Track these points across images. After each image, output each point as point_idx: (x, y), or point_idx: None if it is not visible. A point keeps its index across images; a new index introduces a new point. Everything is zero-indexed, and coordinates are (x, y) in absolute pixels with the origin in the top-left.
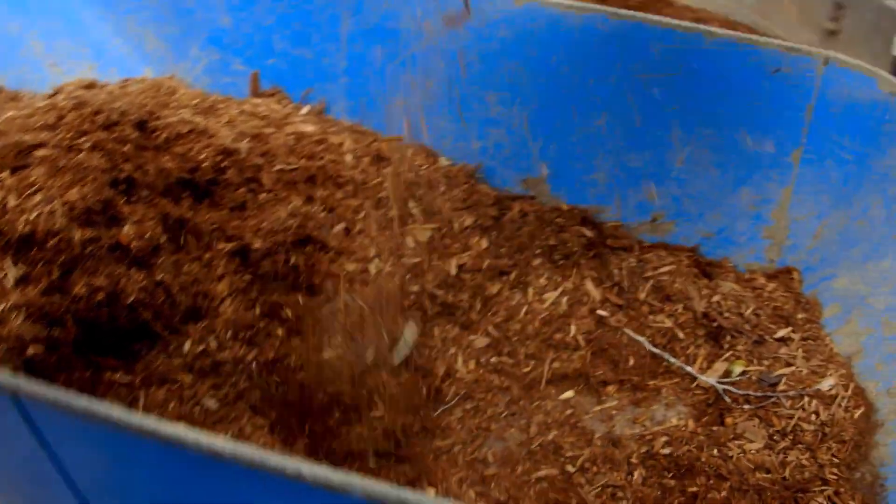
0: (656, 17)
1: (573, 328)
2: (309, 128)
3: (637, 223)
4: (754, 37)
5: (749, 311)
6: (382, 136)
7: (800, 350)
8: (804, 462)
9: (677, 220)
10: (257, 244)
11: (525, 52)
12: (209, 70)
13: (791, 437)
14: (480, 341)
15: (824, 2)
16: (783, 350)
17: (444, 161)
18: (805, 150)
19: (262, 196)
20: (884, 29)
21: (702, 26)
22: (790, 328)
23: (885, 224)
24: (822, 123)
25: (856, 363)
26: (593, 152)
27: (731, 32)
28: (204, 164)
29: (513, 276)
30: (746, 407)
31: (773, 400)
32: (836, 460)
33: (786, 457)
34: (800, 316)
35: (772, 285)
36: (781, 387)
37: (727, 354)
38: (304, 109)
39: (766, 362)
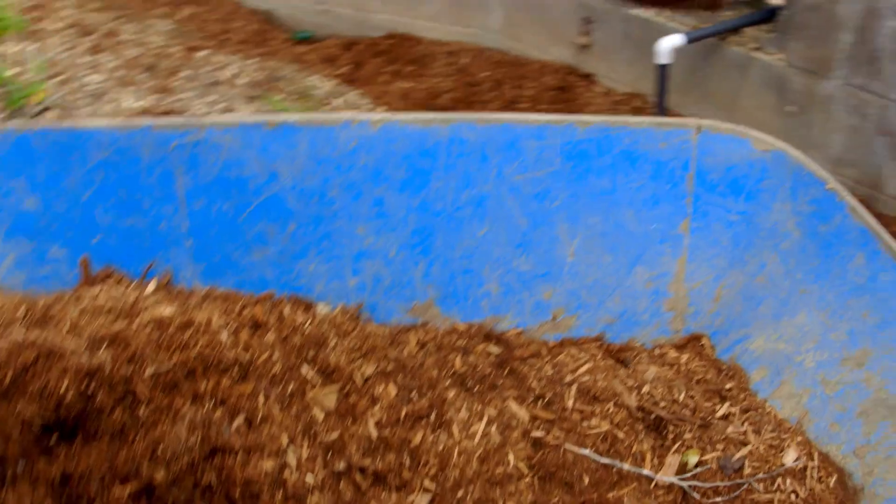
0: (525, 116)
1: (512, 458)
2: (166, 310)
3: (538, 325)
4: (627, 118)
5: (683, 395)
6: (248, 296)
7: (746, 425)
8: None
9: (578, 312)
10: (160, 475)
11: (390, 174)
12: (21, 264)
13: None
14: (421, 500)
15: (572, 18)
16: (730, 429)
17: (322, 308)
18: (692, 218)
19: (142, 411)
20: (635, 38)
21: (573, 116)
22: (728, 403)
23: (785, 278)
24: (704, 190)
25: (808, 428)
26: (480, 264)
27: (603, 118)
28: (68, 398)
29: (432, 417)
30: (718, 500)
31: (745, 487)
32: None
33: None
34: (728, 386)
35: (685, 356)
36: (747, 470)
37: (676, 446)
38: (150, 287)
39: (719, 446)
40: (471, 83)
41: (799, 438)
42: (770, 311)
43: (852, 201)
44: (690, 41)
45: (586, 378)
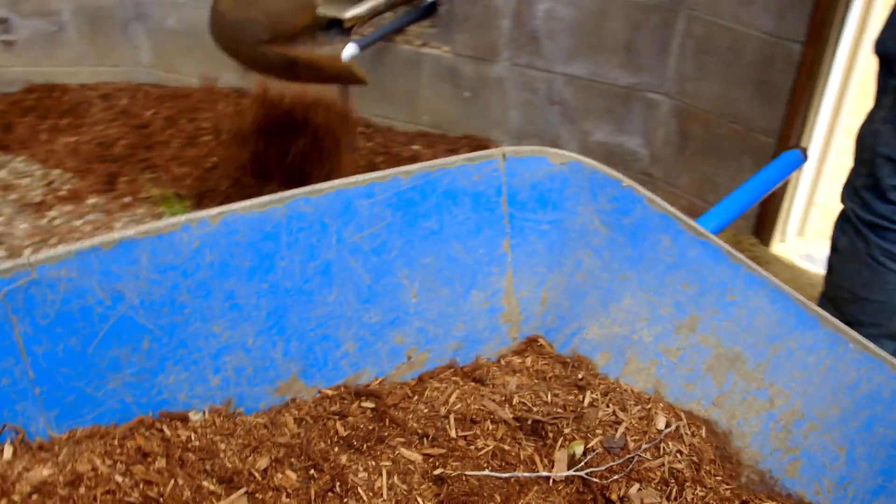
0: (353, 178)
1: (421, 500)
2: (43, 471)
3: (395, 368)
4: (444, 160)
5: (549, 396)
6: (119, 427)
7: (612, 406)
8: (701, 494)
9: (429, 346)
10: None
11: (237, 264)
12: None
13: (675, 481)
14: None
15: None
16: (600, 414)
17: (194, 416)
18: (511, 237)
19: None
20: None
21: (396, 169)
22: (588, 391)
23: (603, 270)
24: (517, 210)
25: (666, 394)
26: (335, 328)
27: (421, 165)
28: None
29: (337, 487)
30: (616, 478)
31: (635, 459)
32: (720, 478)
33: (685, 498)
34: (580, 375)
35: (528, 359)
36: (630, 444)
37: (559, 442)
38: (7, 452)
39: (598, 431)
40: (139, 125)
41: (661, 405)
42: (597, 302)
43: (647, 193)
44: (363, 48)
45: (458, 405)
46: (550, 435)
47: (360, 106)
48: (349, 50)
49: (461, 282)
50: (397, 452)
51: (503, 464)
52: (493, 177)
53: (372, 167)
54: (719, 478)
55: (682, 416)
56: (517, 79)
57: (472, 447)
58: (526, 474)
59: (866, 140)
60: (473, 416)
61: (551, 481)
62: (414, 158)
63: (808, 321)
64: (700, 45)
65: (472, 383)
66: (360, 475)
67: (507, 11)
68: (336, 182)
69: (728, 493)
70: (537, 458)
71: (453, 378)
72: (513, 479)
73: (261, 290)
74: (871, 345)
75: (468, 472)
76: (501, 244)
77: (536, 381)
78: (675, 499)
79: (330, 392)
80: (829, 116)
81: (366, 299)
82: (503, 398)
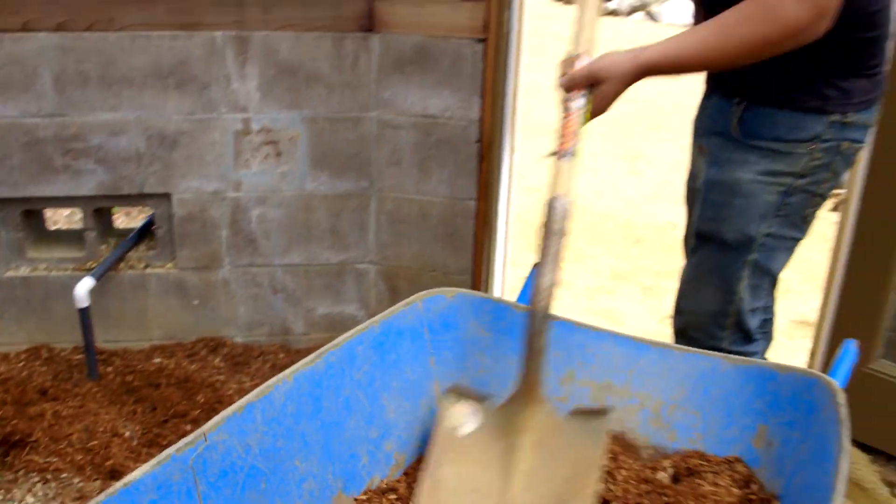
0: (350, 336)
1: None
2: None
3: (390, 469)
4: (391, 309)
5: None
6: None
7: None
8: (625, 473)
9: (405, 449)
10: None
11: (302, 410)
12: None
13: (606, 473)
14: None
15: None
16: None
17: None
18: (434, 354)
19: None
20: (21, 299)
21: (371, 321)
22: None
23: (495, 362)
24: (433, 334)
25: None
26: (356, 446)
27: (384, 315)
28: None
29: None
30: None
31: None
32: (631, 460)
33: (619, 478)
34: None
35: None
36: None
37: None
38: None
39: None
40: None
41: None
42: (497, 385)
43: (511, 302)
44: (98, 279)
45: None
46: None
47: (103, 334)
48: (87, 284)
49: (414, 394)
50: None
51: None
52: (418, 315)
53: (126, 386)
54: (631, 461)
55: None
56: (241, 278)
57: None
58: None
59: None
60: None
61: None
62: (159, 370)
63: (644, 348)
64: (393, 217)
65: None
66: None
67: (224, 222)
68: (340, 339)
69: (639, 466)
70: None
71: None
72: None
73: (316, 426)
74: (688, 348)
75: None
76: (428, 362)
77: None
78: (614, 481)
79: (363, 497)
80: (503, 252)
81: (368, 421)
82: None
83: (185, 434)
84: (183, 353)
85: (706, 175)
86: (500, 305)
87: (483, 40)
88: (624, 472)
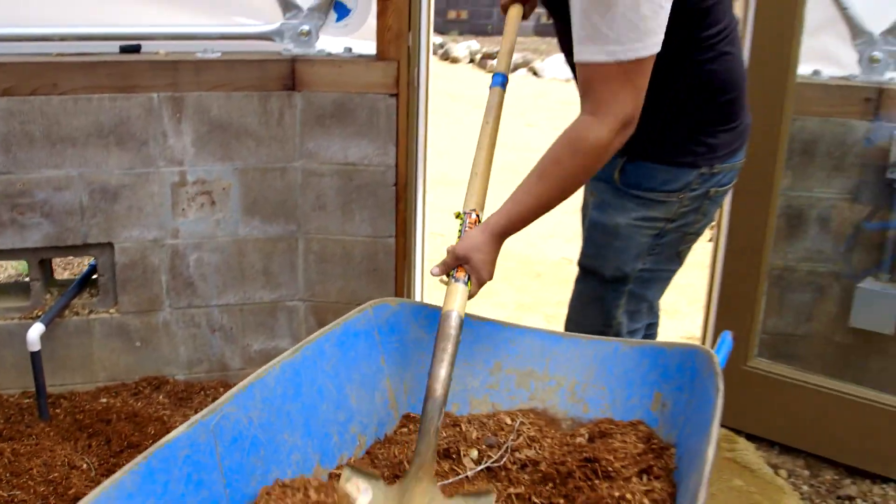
0: (320, 337)
1: None
2: None
3: (355, 449)
4: (348, 315)
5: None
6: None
7: (475, 426)
8: (549, 440)
9: (365, 432)
10: None
11: (288, 394)
12: None
13: (533, 442)
14: None
15: None
16: (473, 433)
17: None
18: (384, 354)
19: None
20: None
21: (332, 325)
22: (460, 425)
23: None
24: (383, 336)
25: (501, 408)
26: (328, 426)
27: (339, 322)
28: None
29: None
30: (510, 464)
31: (508, 444)
32: (553, 430)
33: (544, 445)
34: (448, 420)
35: (410, 426)
36: (501, 438)
37: (462, 454)
38: None
39: (477, 442)
40: None
41: (502, 413)
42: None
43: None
44: (47, 325)
45: (401, 457)
46: (453, 455)
47: (55, 379)
48: (38, 329)
49: (370, 387)
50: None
51: (442, 480)
52: (369, 321)
53: (78, 424)
54: (553, 431)
55: (518, 413)
56: (181, 319)
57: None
58: (456, 478)
59: None
60: (407, 459)
61: (470, 478)
62: (107, 408)
63: (557, 339)
64: (319, 257)
65: (394, 446)
66: None
67: (164, 267)
68: (313, 336)
69: (560, 434)
70: (454, 467)
71: (381, 451)
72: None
73: (298, 408)
74: (593, 336)
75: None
76: (379, 360)
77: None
78: (541, 449)
79: (336, 471)
80: (420, 284)
81: (336, 406)
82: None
83: None
84: (128, 392)
85: (591, 216)
86: (437, 312)
87: (395, 95)
88: (549, 440)
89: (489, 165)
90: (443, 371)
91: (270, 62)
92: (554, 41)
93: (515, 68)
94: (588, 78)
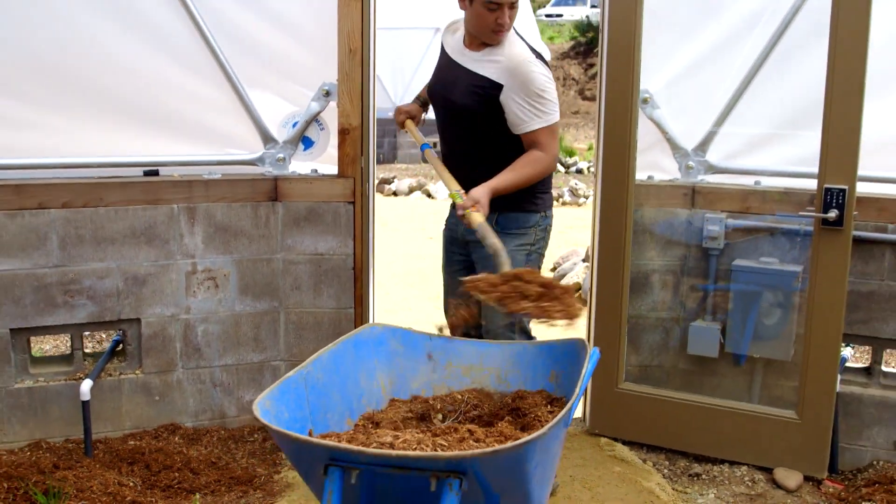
0: (345, 341)
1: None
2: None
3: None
4: (356, 330)
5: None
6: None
7: (440, 400)
8: (487, 408)
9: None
10: None
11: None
12: None
13: (473, 405)
14: None
15: None
16: (439, 404)
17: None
18: (377, 359)
19: None
20: (22, 405)
21: (343, 338)
22: (429, 402)
23: (408, 361)
24: (374, 347)
25: (452, 390)
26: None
27: (349, 336)
28: None
29: None
30: (460, 415)
31: (461, 408)
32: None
33: (484, 409)
34: (419, 403)
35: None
36: (456, 405)
37: (434, 417)
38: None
39: (440, 411)
40: None
41: (449, 391)
42: (411, 371)
43: (410, 328)
44: (95, 379)
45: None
46: (426, 418)
47: (100, 427)
48: (87, 384)
49: (369, 377)
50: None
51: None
52: (367, 336)
53: (117, 458)
54: (488, 400)
55: (465, 392)
56: (190, 378)
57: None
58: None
59: None
60: (400, 423)
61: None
62: (135, 448)
63: (486, 345)
64: (297, 326)
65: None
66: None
67: (178, 337)
68: (339, 340)
69: (493, 402)
70: (428, 426)
71: (379, 415)
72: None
73: (334, 380)
74: (510, 342)
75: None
76: (373, 361)
77: (409, 409)
78: (482, 411)
79: (358, 423)
80: None
81: (354, 385)
82: (399, 417)
83: (177, 480)
84: (149, 437)
85: (482, 252)
86: (405, 331)
87: (352, 202)
88: (486, 406)
89: (447, 174)
90: (494, 240)
91: (258, 181)
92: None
93: (411, 191)
94: (535, 139)
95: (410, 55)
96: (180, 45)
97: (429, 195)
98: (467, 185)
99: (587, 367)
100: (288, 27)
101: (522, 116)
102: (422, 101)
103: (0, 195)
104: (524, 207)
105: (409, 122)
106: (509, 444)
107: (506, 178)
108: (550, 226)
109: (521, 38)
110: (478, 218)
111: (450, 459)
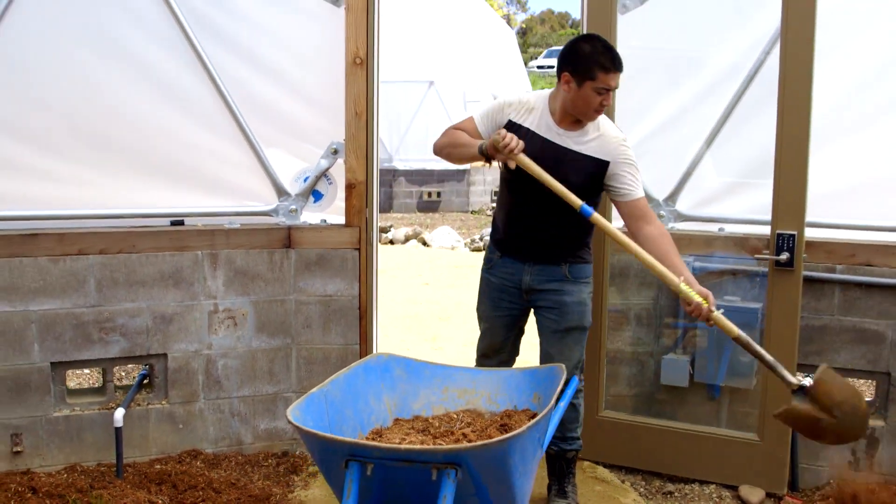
0: (356, 367)
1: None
2: None
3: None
4: (366, 358)
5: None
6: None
7: (441, 420)
8: (480, 426)
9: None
10: None
11: (362, 390)
12: None
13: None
14: None
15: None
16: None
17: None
18: (383, 382)
19: None
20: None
21: (363, 359)
22: (431, 420)
23: (407, 384)
24: (383, 373)
25: (449, 411)
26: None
27: (363, 360)
28: None
29: None
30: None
31: (459, 425)
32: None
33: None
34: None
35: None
36: (452, 423)
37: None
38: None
39: (438, 427)
40: None
41: (446, 411)
42: (413, 393)
43: (412, 357)
44: (126, 408)
45: (410, 439)
46: (429, 432)
47: (130, 453)
48: (120, 412)
49: (378, 397)
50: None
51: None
52: (375, 362)
53: (146, 479)
54: (480, 419)
55: (460, 412)
56: (211, 408)
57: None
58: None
59: None
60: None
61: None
62: (161, 471)
63: (479, 372)
64: (307, 361)
65: (392, 432)
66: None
67: (200, 370)
68: (352, 365)
69: (484, 421)
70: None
71: (386, 433)
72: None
73: (346, 398)
74: (497, 369)
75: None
76: (380, 385)
77: (411, 426)
78: (475, 429)
79: (370, 436)
80: None
81: (365, 404)
82: (403, 433)
83: (201, 498)
84: (173, 461)
85: (562, 299)
86: (408, 360)
87: (357, 249)
88: (479, 423)
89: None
90: (757, 348)
91: (273, 229)
92: (434, 216)
93: (407, 239)
94: (641, 205)
95: (406, 108)
96: (205, 109)
97: (424, 243)
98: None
99: (560, 386)
100: (300, 93)
101: (630, 188)
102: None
103: (45, 243)
104: (586, 259)
105: (523, 158)
106: (496, 439)
107: (681, 262)
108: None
109: None
110: (726, 322)
111: (447, 452)
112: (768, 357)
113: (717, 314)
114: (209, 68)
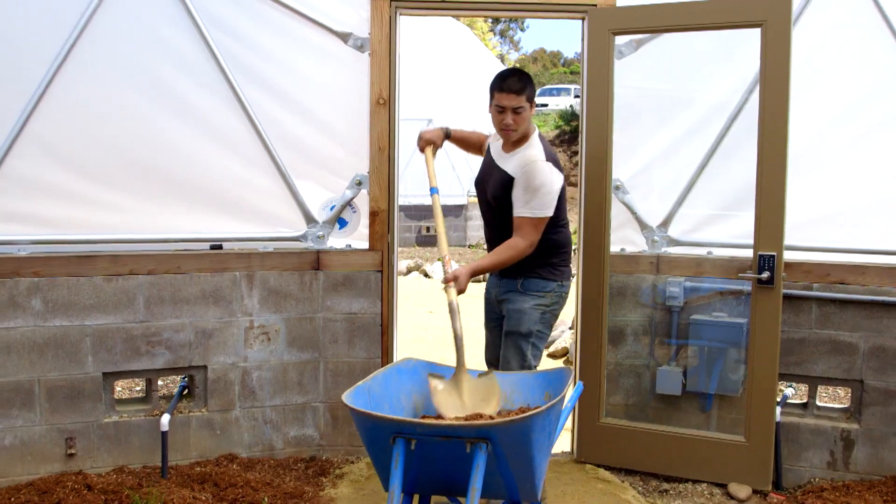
0: (386, 370)
1: None
2: None
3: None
4: (389, 366)
5: None
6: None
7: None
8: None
9: None
10: None
11: (394, 393)
12: None
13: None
14: None
15: (58, 439)
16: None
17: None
18: (409, 375)
19: None
20: (111, 434)
21: (382, 368)
22: None
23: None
24: (409, 372)
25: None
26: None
27: (383, 370)
28: None
29: None
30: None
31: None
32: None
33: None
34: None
35: None
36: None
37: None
38: None
39: None
40: None
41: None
42: (430, 396)
43: (423, 361)
44: (171, 415)
45: None
46: None
47: (174, 457)
48: (166, 417)
49: (407, 397)
50: None
51: None
52: (405, 364)
53: (188, 480)
54: (496, 414)
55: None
56: (246, 416)
57: None
58: None
59: None
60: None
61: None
62: (202, 473)
63: (496, 374)
64: (334, 373)
65: None
66: None
67: (237, 381)
68: (388, 366)
69: (500, 414)
70: None
71: None
72: None
73: (385, 392)
74: (514, 372)
75: None
76: (410, 385)
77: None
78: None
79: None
80: None
81: (396, 400)
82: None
83: (240, 495)
84: (211, 465)
85: (507, 308)
86: (433, 364)
87: (380, 271)
88: (500, 415)
89: (444, 232)
90: (457, 324)
91: (304, 253)
92: (433, 250)
93: (409, 272)
94: (519, 224)
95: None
96: (242, 145)
97: (426, 275)
98: None
99: (569, 386)
100: (328, 130)
101: (515, 203)
102: (446, 131)
103: (100, 263)
104: (542, 275)
105: (429, 150)
106: (520, 415)
107: (486, 260)
108: (566, 293)
109: (544, 144)
110: (451, 295)
111: (479, 427)
112: (459, 333)
113: (446, 287)
114: (247, 108)
